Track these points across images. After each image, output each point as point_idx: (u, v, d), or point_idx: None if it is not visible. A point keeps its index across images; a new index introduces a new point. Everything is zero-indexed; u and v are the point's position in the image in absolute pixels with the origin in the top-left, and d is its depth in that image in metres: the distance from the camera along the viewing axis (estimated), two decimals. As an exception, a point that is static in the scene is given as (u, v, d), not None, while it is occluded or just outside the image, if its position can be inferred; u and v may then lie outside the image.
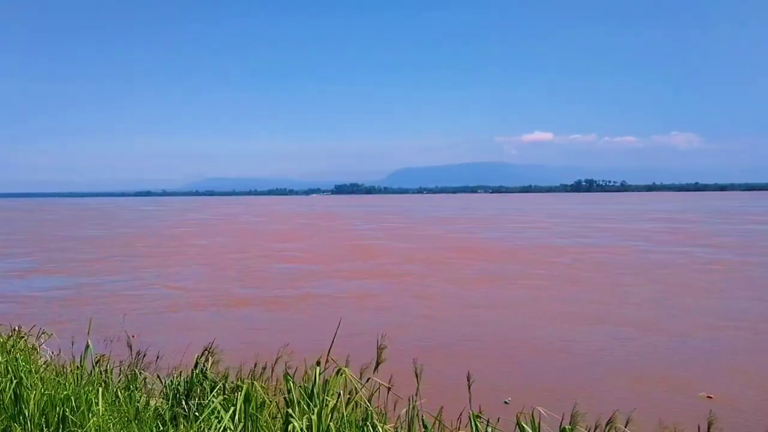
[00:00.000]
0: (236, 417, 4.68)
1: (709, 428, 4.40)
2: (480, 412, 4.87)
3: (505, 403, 8.97)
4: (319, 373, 5.12)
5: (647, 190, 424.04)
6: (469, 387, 4.99)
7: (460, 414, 5.05)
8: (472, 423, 4.56)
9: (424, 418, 5.06)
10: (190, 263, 28.91)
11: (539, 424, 4.30)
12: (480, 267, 26.14)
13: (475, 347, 12.87)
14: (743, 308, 16.65)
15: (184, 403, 5.86)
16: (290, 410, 4.52)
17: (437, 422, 4.78)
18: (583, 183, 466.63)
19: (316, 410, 4.46)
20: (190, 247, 37.90)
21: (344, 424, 4.66)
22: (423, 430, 5.05)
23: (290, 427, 4.35)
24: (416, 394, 4.81)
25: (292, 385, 5.00)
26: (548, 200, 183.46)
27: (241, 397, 4.90)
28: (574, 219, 68.07)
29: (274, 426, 4.90)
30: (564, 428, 4.37)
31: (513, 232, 47.91)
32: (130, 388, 6.28)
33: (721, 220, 62.25)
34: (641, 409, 8.38)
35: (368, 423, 4.65)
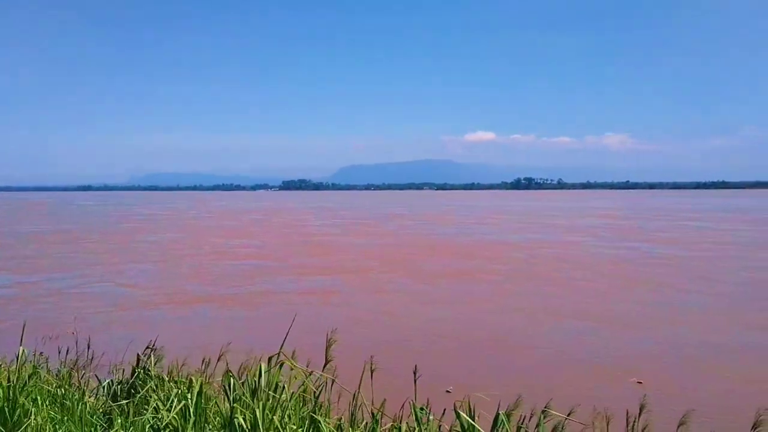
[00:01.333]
0: (187, 412, 4.66)
1: (640, 412, 4.73)
2: (427, 405, 5.01)
3: (447, 392, 9.32)
4: (266, 370, 5.09)
5: (582, 188, 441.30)
6: (415, 381, 5.15)
7: (402, 405, 5.16)
8: (414, 413, 4.71)
9: (372, 411, 5.09)
10: (140, 260, 28.24)
11: (474, 410, 4.47)
12: (438, 262, 26.63)
13: (434, 342, 13.12)
14: (692, 301, 17.70)
15: (125, 400, 5.83)
16: (236, 405, 4.56)
17: (381, 414, 4.88)
18: (523, 181, 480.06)
19: (260, 405, 4.50)
20: (139, 243, 36.93)
21: (289, 418, 4.71)
22: (369, 422, 5.09)
23: (236, 422, 4.39)
24: (359, 388, 4.95)
25: (233, 380, 5.02)
26: (492, 197, 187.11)
27: (195, 390, 4.88)
28: (520, 215, 69.86)
29: (219, 421, 4.91)
30: (499, 414, 4.52)
31: (465, 228, 48.83)
32: (69, 388, 6.20)
33: (658, 216, 65.19)
34: (581, 396, 8.86)
35: (313, 417, 4.70)
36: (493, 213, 77.30)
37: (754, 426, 4.40)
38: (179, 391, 5.33)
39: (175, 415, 4.73)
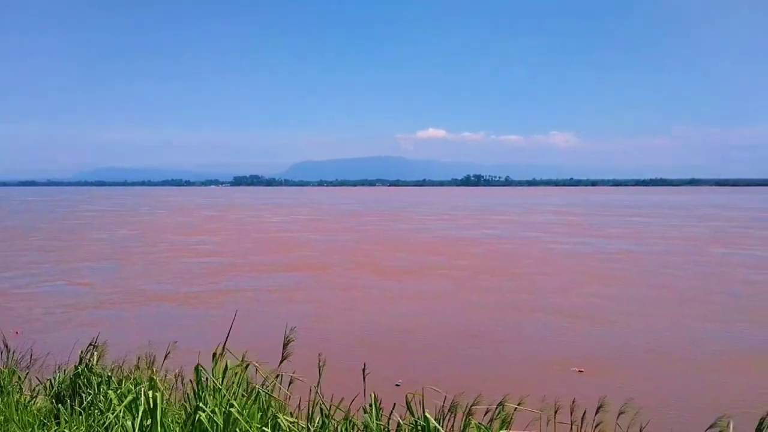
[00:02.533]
0: (140, 411, 4.60)
1: (598, 409, 4.95)
2: (378, 399, 5.05)
3: (396, 385, 9.46)
4: (223, 368, 5.13)
5: (528, 185, 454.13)
6: (364, 377, 5.24)
7: (353, 400, 5.24)
8: (374, 405, 4.82)
9: (329, 406, 5.16)
10: (93, 258, 27.32)
11: (423, 401, 4.60)
12: (400, 258, 26.80)
13: (400, 339, 13.18)
14: (649, 295, 18.42)
15: (71, 399, 5.77)
16: (200, 403, 4.59)
17: (334, 408, 4.97)
18: (472, 178, 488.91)
19: (217, 402, 4.54)
20: (90, 241, 35.70)
21: (245, 415, 4.74)
22: (324, 417, 5.16)
23: (196, 418, 4.40)
24: (318, 383, 5.00)
25: (190, 379, 5.05)
26: (444, 194, 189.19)
27: (145, 389, 4.78)
28: (474, 212, 70.90)
29: (177, 419, 4.92)
30: (453, 405, 4.74)
31: (422, 225, 49.25)
32: (11, 389, 6.09)
33: (605, 213, 67.33)
34: (536, 388, 9.20)
35: (270, 413, 4.78)
36: (447, 209, 78.13)
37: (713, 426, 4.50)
38: (122, 390, 5.28)
39: (121, 414, 4.68)
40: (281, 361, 5.46)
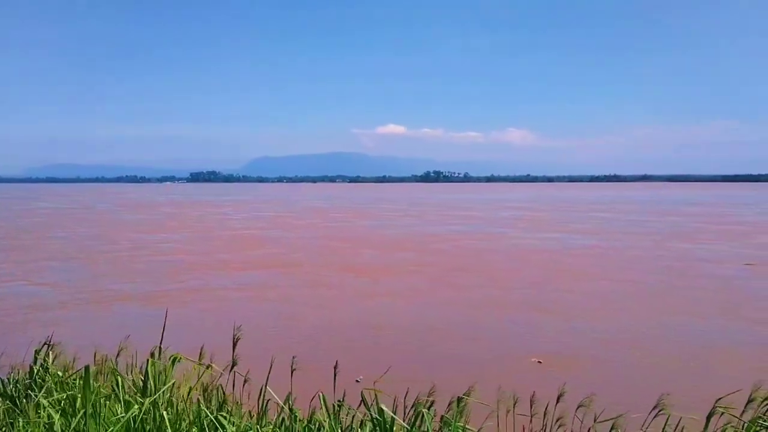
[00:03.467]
0: (75, 410, 4.58)
1: (559, 398, 5.01)
2: (341, 395, 5.10)
3: (357, 381, 9.41)
4: (154, 365, 5.08)
5: (487, 181, 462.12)
6: (335, 375, 5.22)
7: (312, 397, 5.17)
8: (322, 403, 4.79)
9: (289, 407, 5.11)
10: (53, 257, 26.27)
11: (376, 398, 4.59)
12: (369, 255, 26.64)
13: (371, 336, 13.03)
14: (614, 290, 18.72)
15: (25, 400, 5.65)
16: (131, 400, 4.57)
17: (288, 407, 4.93)
18: (432, 174, 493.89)
19: (149, 399, 4.50)
20: (49, 239, 34.35)
21: (181, 412, 4.70)
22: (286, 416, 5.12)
23: (128, 415, 4.36)
24: (266, 382, 4.93)
25: (121, 377, 5.01)
26: (406, 189, 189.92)
27: (78, 389, 4.76)
28: (437, 207, 71.31)
29: (113, 417, 4.80)
30: (418, 400, 4.78)
31: (389, 221, 49.18)
32: None
33: (566, 208, 68.60)
34: (500, 379, 9.17)
35: (216, 413, 4.71)
36: (411, 205, 78.36)
37: (655, 407, 4.79)
38: (67, 393, 5.14)
39: (66, 416, 4.60)
40: (233, 365, 5.34)
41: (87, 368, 4.74)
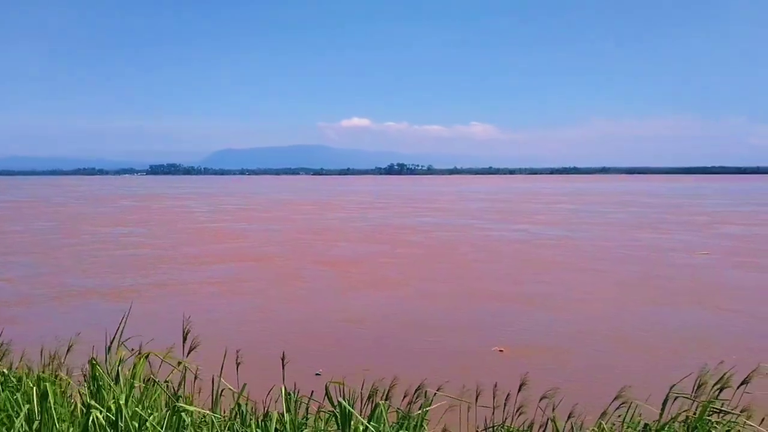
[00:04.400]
0: (31, 413, 4.37)
1: (520, 388, 5.04)
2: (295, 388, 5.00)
3: (317, 375, 9.36)
4: (120, 362, 4.95)
5: (450, 173, 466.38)
6: (283, 366, 5.17)
7: (270, 390, 5.16)
8: (283, 395, 4.75)
9: (248, 403, 5.05)
10: (11, 251, 25.20)
11: (343, 390, 4.60)
12: (341, 248, 26.34)
13: (347, 329, 12.86)
14: (587, 280, 18.93)
15: None
16: (92, 401, 4.35)
17: (245, 399, 4.87)
18: (396, 167, 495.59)
19: (122, 397, 4.34)
20: (5, 233, 32.88)
21: (148, 408, 4.62)
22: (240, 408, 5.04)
23: (92, 417, 4.18)
24: (220, 375, 4.88)
25: (87, 374, 4.86)
26: (371, 181, 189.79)
27: (32, 390, 4.51)
28: (405, 200, 71.34)
29: (75, 419, 4.69)
30: (373, 391, 4.77)
31: (357, 213, 48.91)
32: None
33: (531, 200, 69.55)
34: (462, 371, 9.39)
35: (175, 405, 4.58)
36: (378, 197, 78.25)
37: (617, 397, 4.86)
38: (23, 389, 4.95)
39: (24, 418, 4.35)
40: (186, 353, 5.14)
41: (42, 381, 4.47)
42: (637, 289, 17.07)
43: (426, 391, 4.95)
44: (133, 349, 5.03)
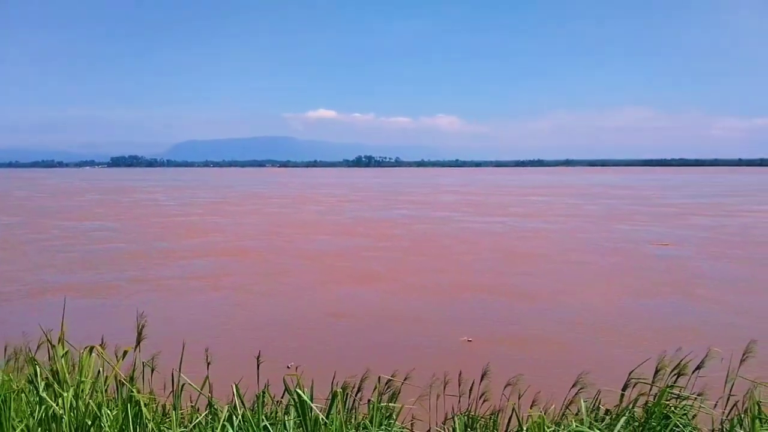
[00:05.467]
0: None
1: (483, 377, 5.15)
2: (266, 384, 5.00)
3: (288, 367, 9.36)
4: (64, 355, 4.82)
5: (418, 166, 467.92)
6: (258, 365, 5.17)
7: (237, 383, 5.07)
8: (235, 391, 4.72)
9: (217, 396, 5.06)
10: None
11: (300, 381, 4.56)
12: (321, 241, 26.02)
13: (328, 324, 12.72)
14: (569, 271, 19.12)
15: None
16: (44, 394, 4.30)
17: (200, 393, 4.86)
18: (363, 159, 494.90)
19: (71, 390, 4.30)
20: (-35, 228, 31.78)
21: (104, 401, 4.55)
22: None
23: (43, 410, 4.16)
24: (179, 368, 4.83)
25: (38, 368, 4.73)
26: (341, 174, 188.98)
27: None
28: (378, 192, 71.23)
29: (28, 414, 4.59)
30: (344, 386, 4.76)
31: (334, 206, 48.55)
32: None
33: (503, 192, 70.24)
34: (439, 363, 9.33)
35: (131, 398, 4.53)
36: (352, 190, 77.93)
37: (575, 384, 5.02)
38: None
39: None
40: (136, 347, 5.09)
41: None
42: (619, 279, 17.34)
43: (394, 382, 5.00)
44: (89, 346, 4.81)
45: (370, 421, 4.66)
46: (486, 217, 37.61)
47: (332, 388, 4.54)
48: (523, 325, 12.61)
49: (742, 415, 4.64)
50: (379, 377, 4.84)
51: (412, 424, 5.15)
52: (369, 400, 4.83)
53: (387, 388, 4.99)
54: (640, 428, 4.70)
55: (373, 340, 11.53)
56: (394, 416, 4.88)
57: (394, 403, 4.93)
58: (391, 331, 12.15)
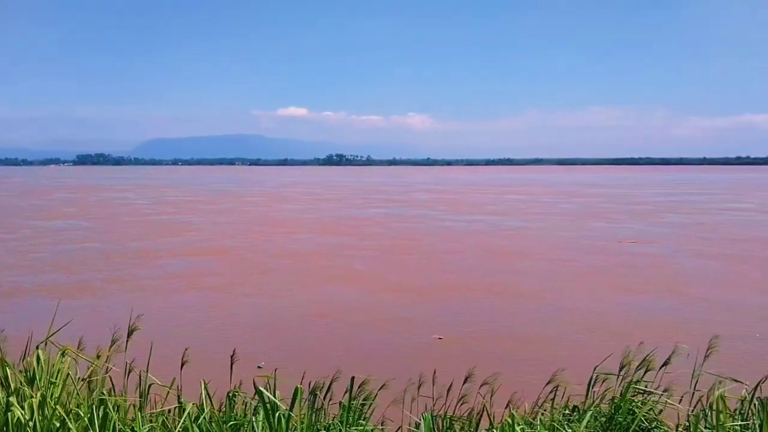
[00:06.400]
0: None
1: (466, 379, 5.10)
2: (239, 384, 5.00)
3: (259, 367, 9.28)
4: (40, 357, 4.69)
5: (389, 164, 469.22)
6: (231, 365, 5.20)
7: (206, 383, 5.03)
8: (203, 389, 4.71)
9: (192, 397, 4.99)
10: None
11: (270, 382, 4.59)
12: (303, 240, 25.64)
13: (313, 324, 12.53)
14: (557, 269, 19.21)
15: None
16: (12, 398, 4.17)
17: (168, 392, 4.88)
18: (335, 157, 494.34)
19: (39, 394, 4.20)
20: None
21: (73, 403, 4.47)
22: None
23: (10, 416, 4.04)
24: (147, 369, 4.83)
25: (8, 370, 4.59)
26: (313, 173, 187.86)
27: None
28: (353, 191, 70.94)
29: None
30: (316, 386, 4.80)
31: (310, 205, 48.13)
32: None
33: (477, 191, 70.66)
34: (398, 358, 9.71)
35: (103, 401, 4.45)
36: (326, 189, 77.51)
37: (549, 382, 5.11)
38: None
39: None
40: (110, 347, 5.03)
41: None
42: (603, 277, 17.48)
43: (368, 382, 5.01)
44: (63, 348, 4.68)
45: (341, 422, 4.63)
46: (464, 215, 37.65)
47: (297, 388, 4.45)
48: (510, 323, 12.54)
49: (707, 410, 4.67)
50: (353, 378, 4.80)
51: (382, 422, 5.11)
52: (340, 402, 4.83)
53: (360, 390, 4.95)
54: (607, 424, 4.76)
55: (356, 341, 11.33)
56: (366, 416, 4.87)
57: (368, 403, 4.94)
58: (376, 331, 11.97)
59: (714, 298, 14.67)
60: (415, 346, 11.01)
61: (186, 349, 5.18)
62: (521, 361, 10.01)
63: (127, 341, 5.01)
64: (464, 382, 5.01)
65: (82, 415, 4.17)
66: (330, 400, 4.89)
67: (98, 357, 4.84)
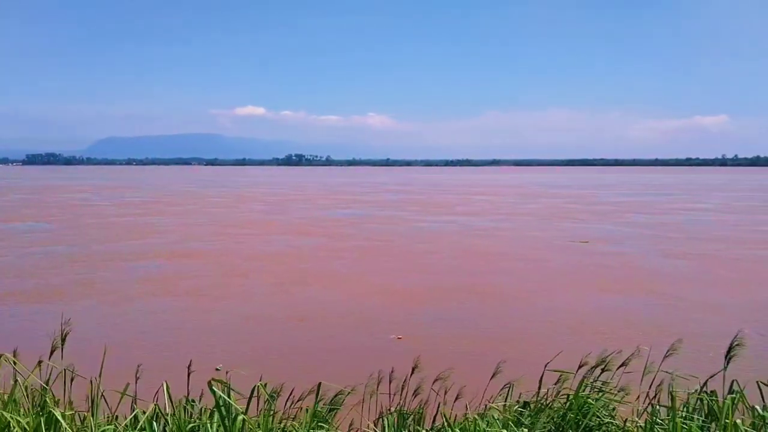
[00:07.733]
0: None
1: (413, 371, 5.31)
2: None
3: (217, 369, 9.22)
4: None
5: (349, 165, 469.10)
6: (188, 374, 5.17)
7: (157, 386, 5.03)
8: (165, 390, 4.74)
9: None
10: None
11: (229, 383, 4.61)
12: (275, 242, 25.29)
13: (293, 325, 12.48)
14: (531, 269, 19.50)
15: None
16: None
17: (123, 397, 4.85)
18: (294, 157, 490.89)
19: None
20: None
21: (17, 412, 4.50)
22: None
23: None
24: (100, 375, 4.80)
25: None
26: (274, 173, 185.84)
27: None
28: (320, 191, 70.50)
29: None
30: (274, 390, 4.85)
31: (278, 205, 47.57)
32: None
33: (441, 191, 71.24)
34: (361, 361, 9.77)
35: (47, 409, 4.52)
36: (291, 189, 76.84)
37: (494, 375, 5.35)
38: None
39: None
40: (50, 354, 4.92)
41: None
42: (580, 276, 17.84)
43: (332, 386, 5.07)
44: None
45: (300, 424, 4.70)
46: (435, 216, 37.84)
47: (254, 391, 4.53)
48: (493, 325, 12.64)
49: (658, 407, 4.79)
50: (320, 383, 4.85)
51: (349, 425, 5.16)
52: (299, 403, 4.89)
53: (322, 393, 4.96)
54: (560, 420, 4.85)
55: (332, 344, 11.20)
56: (329, 420, 4.91)
57: (334, 408, 5.01)
58: (356, 333, 11.91)
59: (689, 297, 15.10)
60: (398, 347, 10.96)
61: (166, 353, 5.08)
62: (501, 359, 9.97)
63: (62, 346, 4.87)
64: (411, 374, 5.19)
65: (26, 423, 4.09)
66: (294, 403, 4.97)
67: (40, 363, 4.78)
